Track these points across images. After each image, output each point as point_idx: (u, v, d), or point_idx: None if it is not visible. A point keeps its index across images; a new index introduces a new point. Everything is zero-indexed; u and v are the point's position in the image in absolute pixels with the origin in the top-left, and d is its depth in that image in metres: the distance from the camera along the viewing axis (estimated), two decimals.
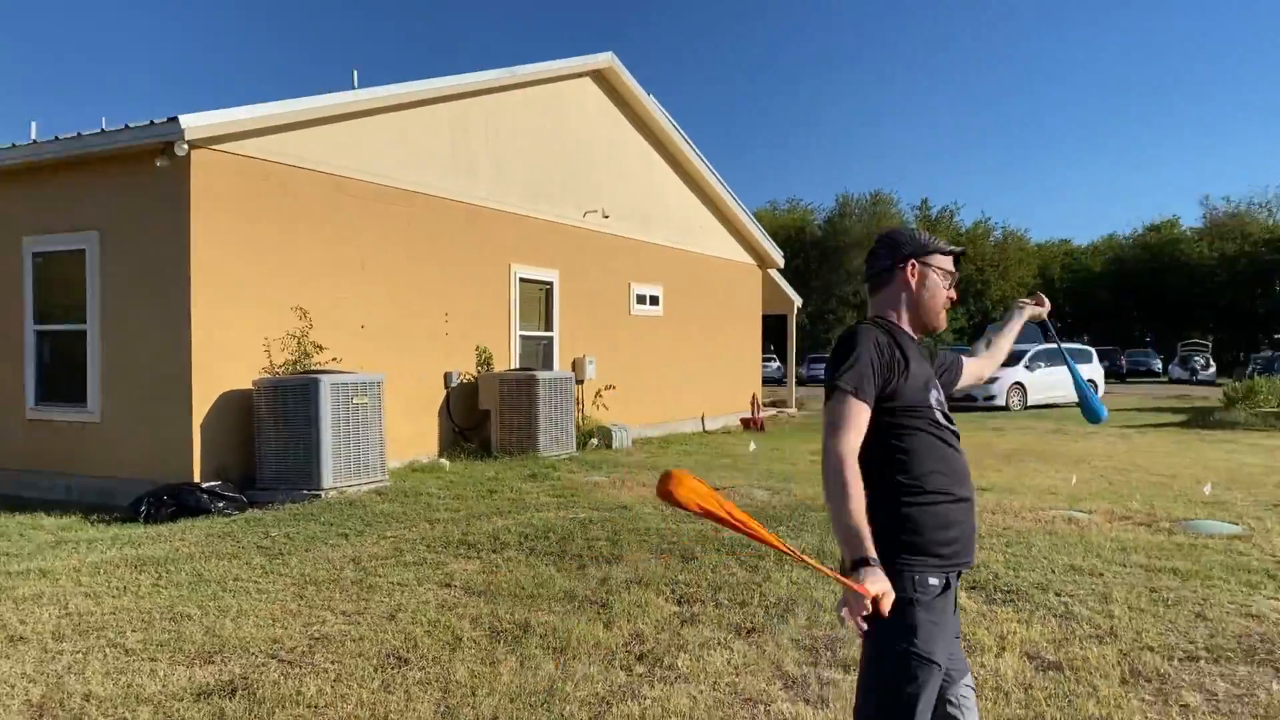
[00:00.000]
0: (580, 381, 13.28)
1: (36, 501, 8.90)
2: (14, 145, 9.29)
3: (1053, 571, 5.87)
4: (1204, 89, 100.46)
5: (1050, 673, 4.22)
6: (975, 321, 54.76)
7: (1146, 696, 3.98)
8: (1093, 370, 25.80)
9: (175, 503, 7.89)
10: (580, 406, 13.17)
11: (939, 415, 2.41)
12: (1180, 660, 4.36)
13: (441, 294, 11.37)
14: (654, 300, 15.95)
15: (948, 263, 2.54)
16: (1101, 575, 5.76)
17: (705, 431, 16.98)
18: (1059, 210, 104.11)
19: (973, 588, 5.45)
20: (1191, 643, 4.57)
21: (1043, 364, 24.24)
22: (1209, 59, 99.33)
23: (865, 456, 2.30)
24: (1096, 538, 6.80)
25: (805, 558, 2.34)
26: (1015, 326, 3.11)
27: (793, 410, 22.25)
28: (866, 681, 2.35)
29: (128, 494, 8.27)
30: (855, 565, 2.13)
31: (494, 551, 6.51)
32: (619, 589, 5.55)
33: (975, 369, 2.91)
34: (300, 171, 9.51)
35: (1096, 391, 25.52)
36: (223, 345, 8.75)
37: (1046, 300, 3.26)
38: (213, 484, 8.23)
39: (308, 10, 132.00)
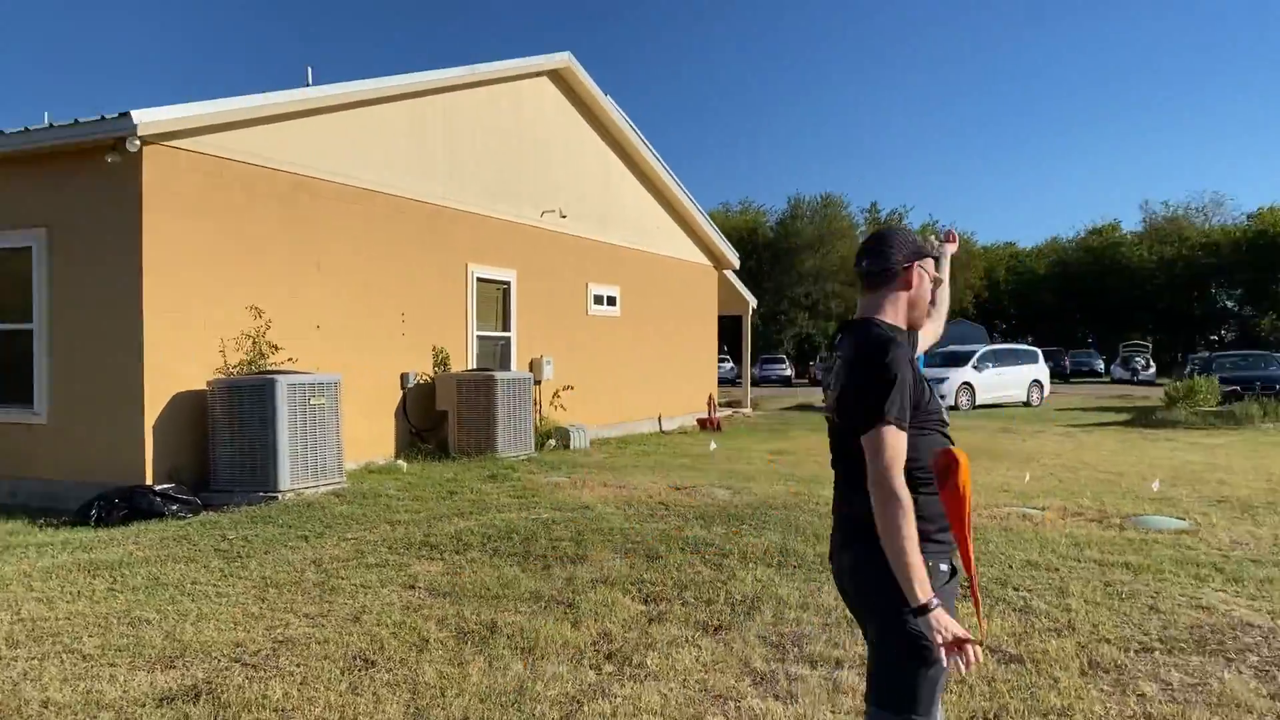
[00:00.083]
0: (538, 382, 13.24)
1: None
2: None
3: (1010, 567, 5.99)
4: (1146, 94, 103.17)
5: (1012, 665, 4.31)
6: None
7: (1105, 687, 4.08)
8: (1039, 370, 26.34)
9: (127, 506, 7.72)
10: (538, 407, 13.13)
11: (943, 412, 2.48)
12: (1136, 652, 4.49)
13: (398, 293, 11.27)
14: (611, 301, 15.96)
15: (932, 265, 2.62)
16: (1057, 570, 5.90)
17: (662, 432, 17.03)
18: (1005, 213, 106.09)
19: None
20: (1146, 634, 4.70)
21: (990, 364, 24.70)
22: (1151, 66, 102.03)
23: None
24: (1051, 534, 6.96)
25: (974, 581, 2.44)
26: (945, 273, 3.09)
27: (748, 410, 22.40)
28: (888, 668, 2.37)
29: (77, 497, 8.07)
30: (924, 610, 2.22)
31: (457, 553, 6.47)
32: (585, 589, 5.55)
33: (930, 333, 2.92)
34: (256, 169, 9.36)
35: (1043, 391, 26.10)
36: (176, 345, 8.58)
37: (956, 236, 3.29)
38: (166, 486, 8.07)
39: (262, 10, 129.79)
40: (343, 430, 9.13)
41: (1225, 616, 5.00)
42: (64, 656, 4.50)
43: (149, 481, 8.29)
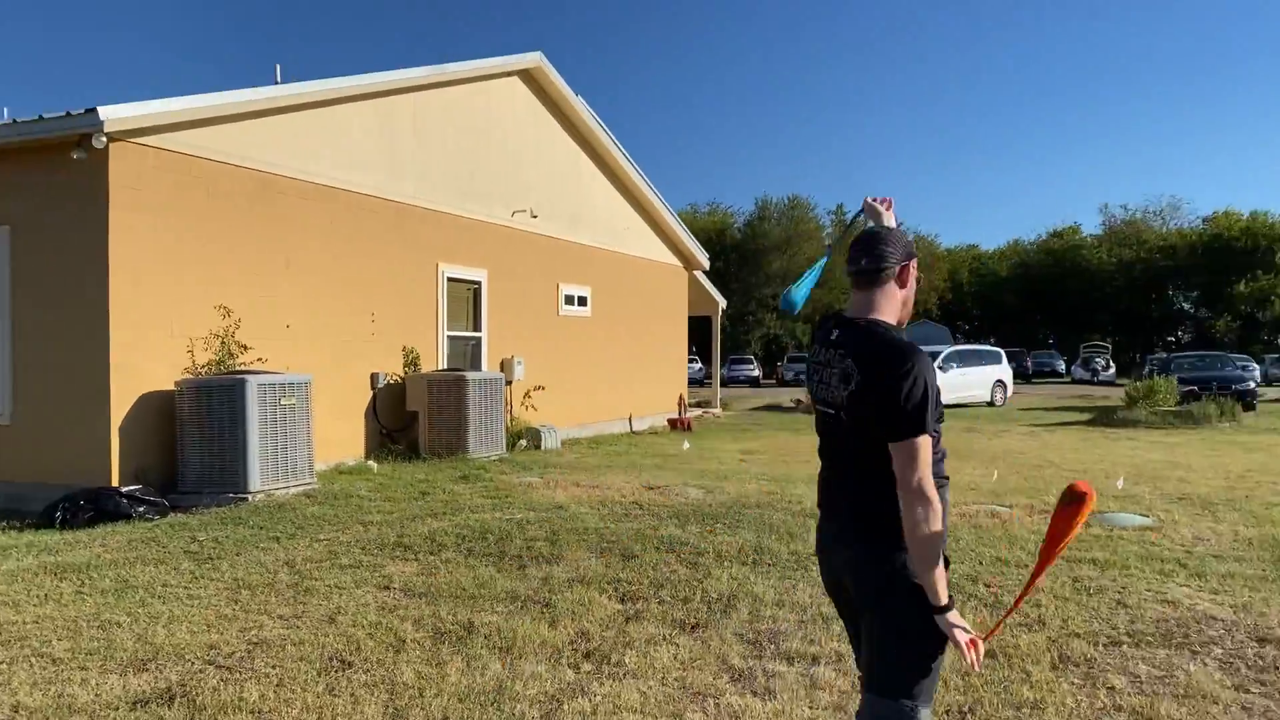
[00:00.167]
0: (509, 382, 13.21)
1: None
2: None
3: (980, 563, 6.08)
4: (1105, 99, 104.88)
5: (985, 660, 4.38)
6: None
7: (1076, 680, 4.17)
8: (1003, 371, 26.70)
9: (93, 508, 7.60)
10: (509, 408, 13.10)
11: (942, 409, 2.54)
12: (1105, 645, 4.58)
13: (369, 293, 11.19)
14: (582, 301, 15.96)
15: (915, 264, 2.66)
16: (1026, 566, 5.99)
17: (633, 432, 17.05)
18: (968, 216, 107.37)
19: None
20: (1114, 629, 4.80)
21: (955, 365, 24.99)
22: (1110, 72, 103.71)
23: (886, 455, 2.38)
24: (1019, 531, 7.07)
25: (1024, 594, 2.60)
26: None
27: (718, 410, 22.49)
28: (893, 661, 2.40)
29: (41, 499, 7.93)
30: (945, 609, 2.33)
31: (431, 553, 6.45)
32: (561, 588, 5.56)
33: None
34: (225, 167, 9.26)
35: (1006, 391, 26.42)
36: (142, 345, 8.47)
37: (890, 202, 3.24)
38: (133, 488, 7.95)
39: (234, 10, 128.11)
40: (313, 431, 9.05)
41: (1190, 611, 5.11)
42: (33, 660, 4.43)
43: (115, 483, 8.18)
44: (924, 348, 3.01)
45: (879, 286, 2.54)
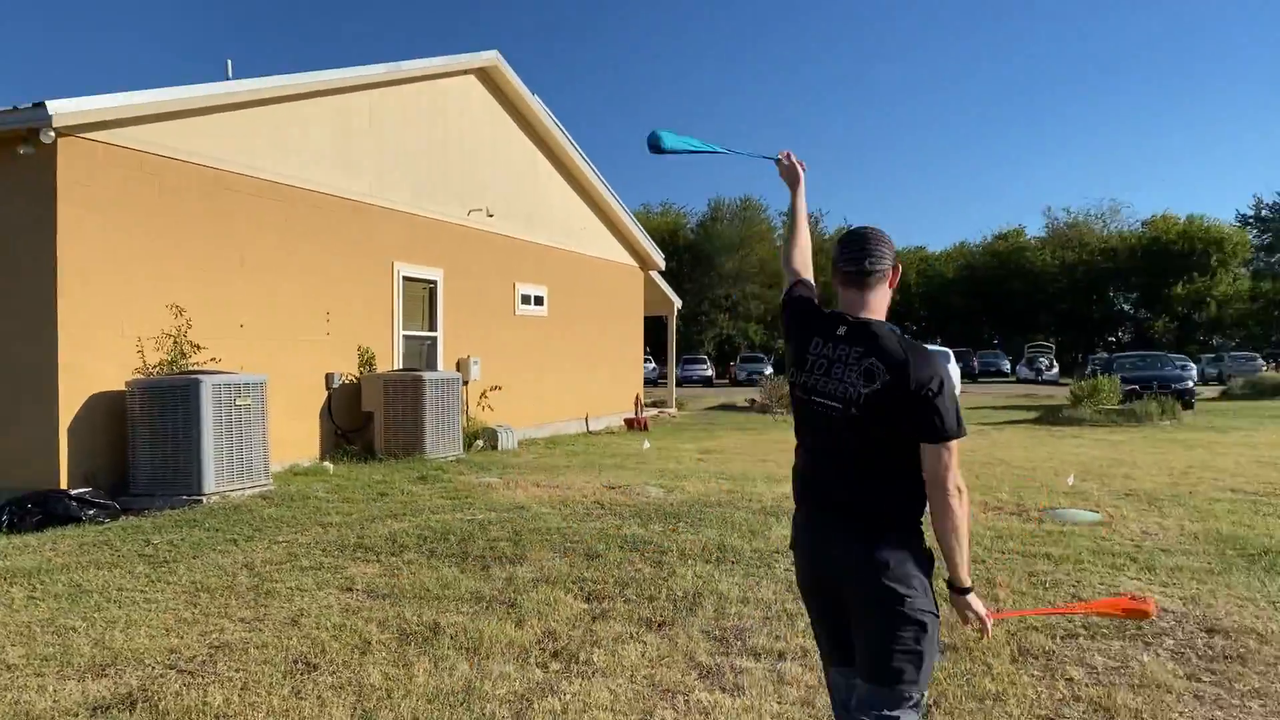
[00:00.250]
0: (466, 382, 13.13)
1: None
2: None
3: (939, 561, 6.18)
4: (1049, 104, 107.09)
5: (947, 654, 4.46)
6: None
7: (1035, 672, 4.27)
8: (952, 370, 27.13)
9: (41, 511, 7.42)
10: (465, 408, 13.03)
11: None
12: (1062, 638, 4.70)
13: (323, 292, 11.06)
14: (539, 300, 15.92)
15: None
16: (983, 562, 6.11)
17: (590, 432, 17.05)
18: (915, 218, 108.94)
19: None
20: (1070, 621, 4.92)
21: None
22: (1053, 78, 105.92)
23: (900, 452, 2.49)
24: (974, 527, 7.20)
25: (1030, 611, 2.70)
26: (801, 206, 3.10)
27: (673, 410, 22.57)
28: (897, 652, 2.46)
29: None
30: (968, 590, 2.58)
31: (393, 554, 6.40)
32: (526, 588, 5.55)
33: (808, 275, 2.94)
34: (177, 164, 9.09)
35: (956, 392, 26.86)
36: (92, 344, 8.28)
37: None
38: (82, 490, 7.78)
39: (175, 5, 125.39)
40: (268, 431, 8.92)
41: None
42: None
43: (64, 485, 7.98)
44: None
45: (875, 287, 2.60)
